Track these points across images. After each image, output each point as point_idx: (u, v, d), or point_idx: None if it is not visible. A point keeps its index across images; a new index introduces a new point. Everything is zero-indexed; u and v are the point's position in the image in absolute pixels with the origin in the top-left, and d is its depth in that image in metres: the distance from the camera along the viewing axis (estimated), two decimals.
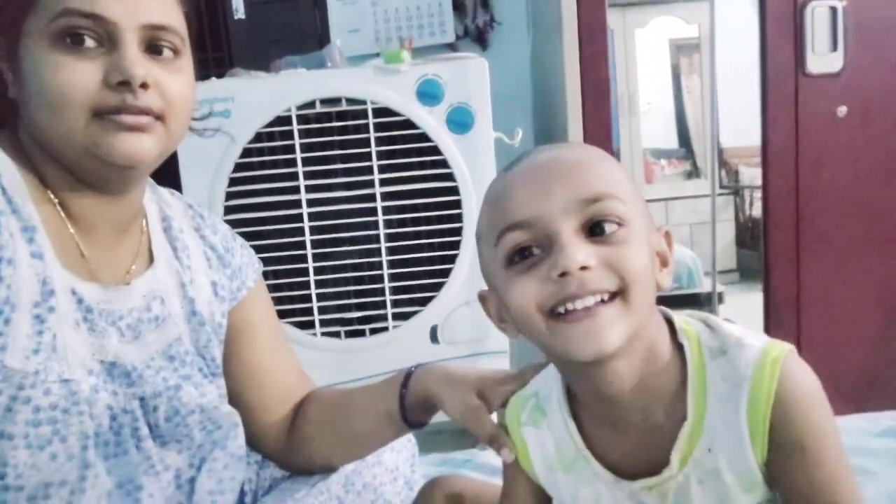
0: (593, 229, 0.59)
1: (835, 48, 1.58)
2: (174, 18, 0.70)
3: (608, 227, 0.59)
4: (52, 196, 0.70)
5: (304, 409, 0.87)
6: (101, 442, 0.69)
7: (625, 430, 0.65)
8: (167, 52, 0.70)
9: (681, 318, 0.66)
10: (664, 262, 0.64)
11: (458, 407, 0.75)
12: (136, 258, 0.77)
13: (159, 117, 0.68)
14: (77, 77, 0.65)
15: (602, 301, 0.58)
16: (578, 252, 0.57)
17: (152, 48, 0.69)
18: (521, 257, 0.60)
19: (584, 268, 0.57)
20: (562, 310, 0.58)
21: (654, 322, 0.63)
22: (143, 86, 0.66)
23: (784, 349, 0.61)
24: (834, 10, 1.58)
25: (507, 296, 0.60)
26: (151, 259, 0.78)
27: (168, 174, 0.77)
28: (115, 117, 0.66)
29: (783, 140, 1.59)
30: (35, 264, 0.66)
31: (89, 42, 0.66)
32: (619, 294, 0.58)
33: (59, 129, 0.66)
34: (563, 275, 0.57)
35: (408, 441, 0.95)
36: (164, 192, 0.85)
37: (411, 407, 0.80)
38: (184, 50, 0.72)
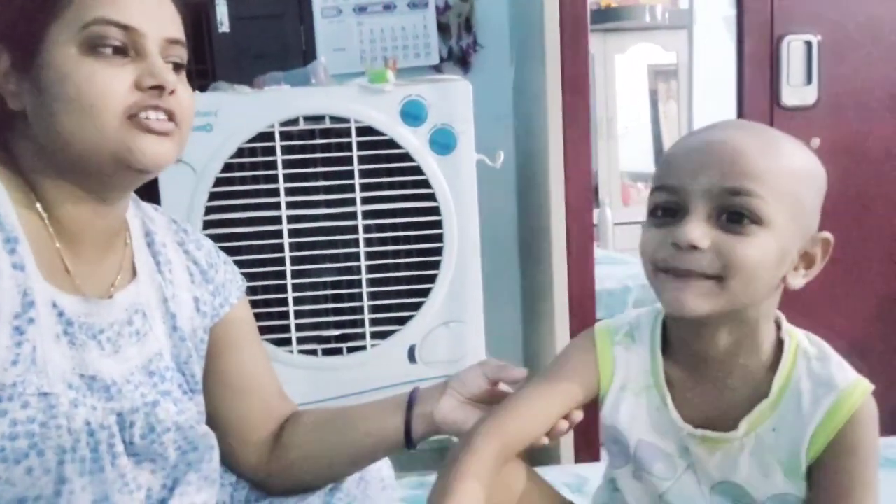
0: (730, 216, 0.64)
1: (809, 81, 1.62)
2: (183, 34, 0.74)
3: (741, 219, 0.64)
4: (40, 209, 0.70)
5: (290, 428, 0.87)
6: (78, 458, 0.68)
7: (702, 382, 0.73)
8: (178, 66, 0.73)
9: (788, 324, 0.73)
10: (809, 265, 0.69)
11: (479, 374, 0.81)
12: (120, 272, 0.77)
13: (177, 124, 0.71)
14: (110, 81, 0.67)
15: (701, 277, 0.65)
16: (695, 232, 0.64)
17: (167, 60, 0.71)
18: (661, 213, 0.68)
19: (694, 247, 0.64)
20: (665, 269, 0.67)
21: (765, 313, 0.70)
22: (171, 92, 0.69)
23: (870, 386, 0.69)
24: (809, 44, 1.63)
25: (641, 237, 0.69)
26: (135, 273, 0.78)
27: (147, 186, 0.78)
28: (145, 120, 0.68)
29: None
30: (16, 275, 0.66)
31: (117, 51, 0.68)
32: (718, 278, 0.65)
33: (87, 133, 0.67)
34: (675, 244, 0.65)
35: (387, 468, 0.95)
36: (148, 206, 0.84)
37: (417, 419, 0.82)
38: (184, 64, 0.75)
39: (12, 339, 0.64)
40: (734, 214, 0.64)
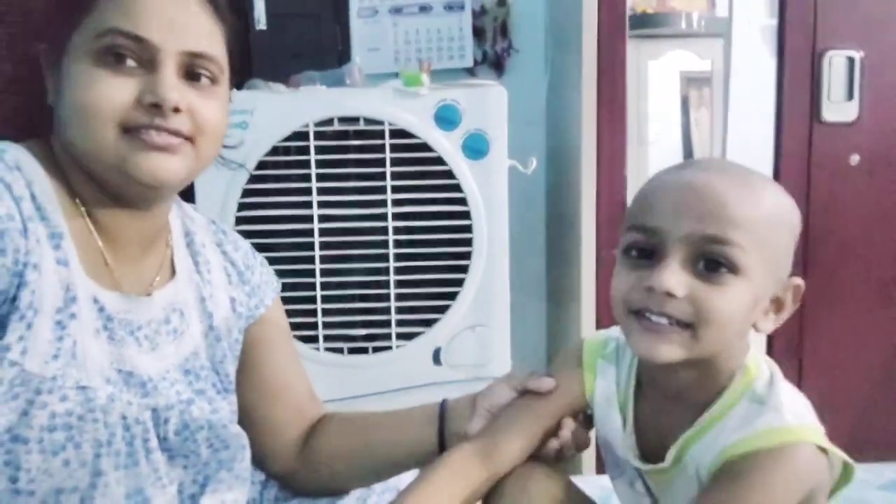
0: (707, 264, 0.63)
1: (851, 97, 1.60)
2: (215, 49, 0.72)
3: (717, 268, 0.63)
4: (80, 206, 0.71)
5: (319, 432, 0.88)
6: (113, 451, 0.70)
7: (662, 412, 0.73)
8: (204, 80, 0.71)
9: (757, 359, 0.71)
10: (778, 310, 0.68)
11: (507, 388, 0.80)
12: (160, 271, 0.78)
13: (189, 139, 0.70)
14: (110, 92, 0.66)
15: (674, 324, 0.64)
16: (672, 279, 0.63)
17: (190, 74, 0.70)
18: (635, 253, 0.67)
19: (670, 294, 0.62)
20: (638, 312, 0.65)
21: (728, 356, 0.69)
22: (175, 110, 0.68)
23: (806, 439, 0.64)
24: (851, 59, 1.60)
25: (613, 277, 0.68)
26: (174, 272, 0.79)
27: None
28: (143, 135, 0.67)
29: (795, 185, 1.60)
30: (60, 270, 0.67)
31: (130, 62, 0.67)
32: (691, 326, 0.63)
33: (89, 142, 0.68)
34: (650, 289, 0.63)
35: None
36: (188, 207, 0.86)
37: (452, 438, 0.82)
38: (222, 79, 0.73)
39: (54, 333, 0.66)
40: (711, 262, 0.63)
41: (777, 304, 0.68)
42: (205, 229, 0.85)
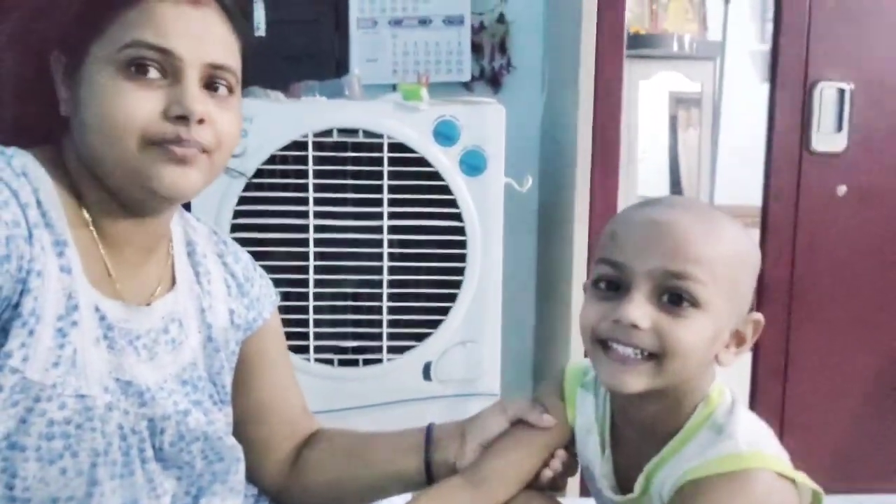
0: (671, 297, 0.66)
1: (840, 128, 1.63)
2: (233, 59, 0.72)
3: (680, 302, 0.66)
4: (85, 215, 0.71)
5: (312, 447, 0.88)
6: (110, 461, 0.69)
7: (631, 442, 0.75)
8: (222, 90, 0.71)
9: (721, 388, 0.73)
10: (739, 343, 0.71)
11: (501, 419, 0.80)
12: (161, 280, 0.78)
13: (206, 151, 0.70)
14: (136, 105, 0.66)
15: (639, 355, 0.66)
16: (636, 311, 0.66)
17: (209, 85, 0.70)
18: (604, 285, 0.69)
19: (635, 326, 0.65)
20: (605, 343, 0.68)
21: (693, 387, 0.71)
22: (200, 121, 0.68)
23: (761, 466, 0.66)
24: (842, 91, 1.63)
25: (582, 307, 0.71)
26: (174, 282, 0.79)
27: None
28: (165, 148, 0.67)
29: (783, 212, 1.63)
30: (63, 278, 0.67)
31: (153, 73, 0.67)
32: (656, 357, 0.66)
33: (110, 153, 0.68)
34: (617, 321, 0.66)
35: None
36: (191, 216, 0.86)
37: (440, 467, 0.81)
38: (237, 90, 0.73)
39: (55, 340, 0.66)
40: (674, 296, 0.66)
41: (738, 337, 0.71)
42: (206, 239, 0.85)
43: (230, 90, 0.72)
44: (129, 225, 0.73)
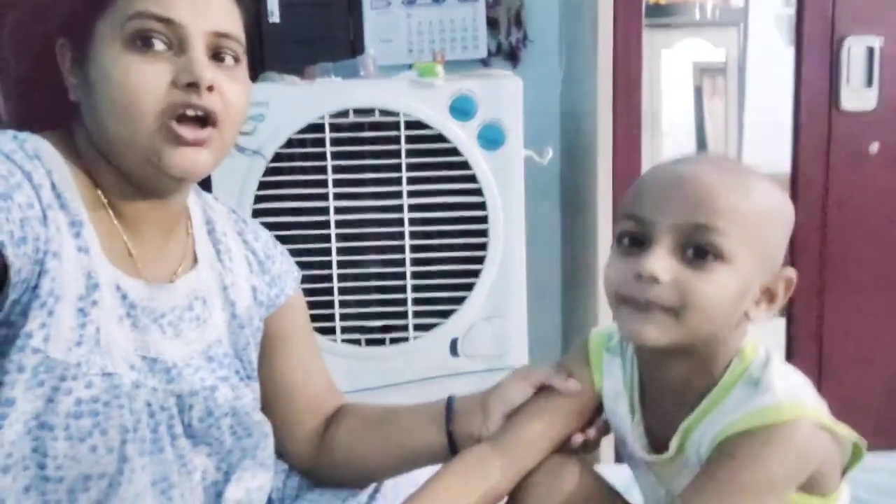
0: (695, 251, 0.64)
1: (870, 84, 1.58)
2: (236, 27, 0.72)
3: (704, 255, 0.64)
4: (102, 196, 0.72)
5: (338, 423, 0.88)
6: (139, 438, 0.70)
7: (662, 404, 0.73)
8: (229, 60, 0.71)
9: (755, 344, 0.72)
10: (770, 300, 0.69)
11: (523, 386, 0.79)
12: (182, 259, 0.78)
13: (216, 124, 0.70)
14: (147, 79, 0.67)
15: (660, 307, 0.65)
16: (657, 264, 0.64)
17: (216, 55, 0.70)
18: (627, 241, 0.68)
19: (655, 279, 0.64)
20: (626, 298, 0.67)
21: (725, 345, 0.70)
22: (209, 89, 0.68)
23: (800, 416, 0.65)
24: (871, 47, 1.58)
25: (606, 266, 0.70)
26: (196, 260, 0.79)
27: None
28: (178, 130, 0.68)
29: (813, 174, 1.59)
30: (81, 258, 0.67)
31: (159, 45, 0.67)
32: (676, 311, 0.65)
33: (124, 132, 0.68)
34: (638, 276, 0.65)
35: None
36: (209, 196, 0.86)
37: (464, 440, 0.81)
38: (243, 60, 0.73)
39: (76, 320, 0.66)
40: (699, 250, 0.64)
41: (769, 294, 0.68)
42: (225, 218, 0.85)
43: (236, 60, 0.72)
44: (146, 205, 0.74)
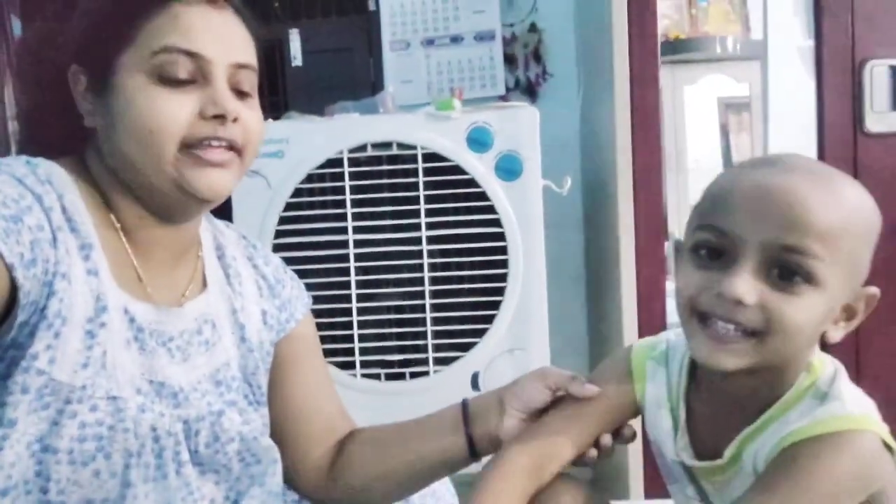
0: (781, 272, 0.61)
1: (895, 107, 1.55)
2: (253, 58, 0.75)
3: (792, 277, 0.60)
4: (114, 220, 0.73)
5: (348, 448, 0.86)
6: (143, 463, 0.69)
7: (720, 414, 0.70)
8: (247, 89, 0.74)
9: (822, 357, 0.69)
10: (850, 318, 0.65)
11: (541, 387, 0.77)
12: (191, 283, 0.78)
13: (238, 151, 0.72)
14: (172, 109, 0.69)
15: (739, 332, 0.62)
16: (743, 286, 0.60)
17: (235, 85, 0.72)
18: (705, 252, 0.64)
19: (740, 302, 0.60)
20: (704, 315, 0.63)
21: (796, 363, 0.67)
22: (234, 120, 0.70)
23: (869, 428, 0.62)
24: (893, 67, 1.56)
25: (678, 274, 0.66)
26: (205, 284, 0.79)
27: (219, 210, 0.81)
28: (201, 153, 0.69)
29: None
30: (90, 281, 0.68)
31: (184, 77, 0.69)
32: (759, 334, 0.61)
33: (146, 159, 0.69)
34: (719, 295, 0.61)
35: (450, 495, 0.93)
36: (220, 223, 0.87)
37: (482, 440, 0.80)
38: (255, 89, 0.76)
39: (83, 342, 0.66)
40: (787, 271, 0.60)
41: (849, 312, 0.65)
42: (236, 243, 0.86)
43: (253, 90, 0.75)
44: (159, 231, 0.74)
